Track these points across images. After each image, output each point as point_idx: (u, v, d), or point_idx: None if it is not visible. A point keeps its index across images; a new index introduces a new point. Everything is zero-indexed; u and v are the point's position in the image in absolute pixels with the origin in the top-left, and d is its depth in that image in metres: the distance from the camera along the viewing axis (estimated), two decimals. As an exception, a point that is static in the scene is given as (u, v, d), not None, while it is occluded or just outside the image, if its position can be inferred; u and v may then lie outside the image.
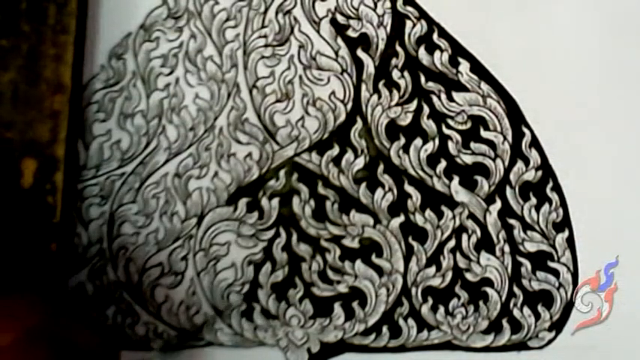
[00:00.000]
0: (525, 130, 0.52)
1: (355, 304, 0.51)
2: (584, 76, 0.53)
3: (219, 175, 0.51)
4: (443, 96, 0.52)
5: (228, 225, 0.51)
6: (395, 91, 0.52)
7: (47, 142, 0.48)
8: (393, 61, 0.52)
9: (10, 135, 0.48)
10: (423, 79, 0.52)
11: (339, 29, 0.52)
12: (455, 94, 0.52)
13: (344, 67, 0.52)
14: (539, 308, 0.52)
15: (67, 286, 0.49)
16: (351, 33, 0.52)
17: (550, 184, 0.52)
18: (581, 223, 0.52)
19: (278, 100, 0.51)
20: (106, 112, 0.51)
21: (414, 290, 0.51)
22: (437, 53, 0.52)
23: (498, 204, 0.52)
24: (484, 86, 0.52)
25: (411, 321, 0.51)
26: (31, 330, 0.38)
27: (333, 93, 0.52)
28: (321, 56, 0.52)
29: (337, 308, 0.51)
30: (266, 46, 0.52)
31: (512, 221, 0.52)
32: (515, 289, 0.51)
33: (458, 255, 0.51)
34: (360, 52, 0.52)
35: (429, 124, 0.52)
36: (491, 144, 0.52)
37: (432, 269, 0.51)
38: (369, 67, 0.52)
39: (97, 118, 0.51)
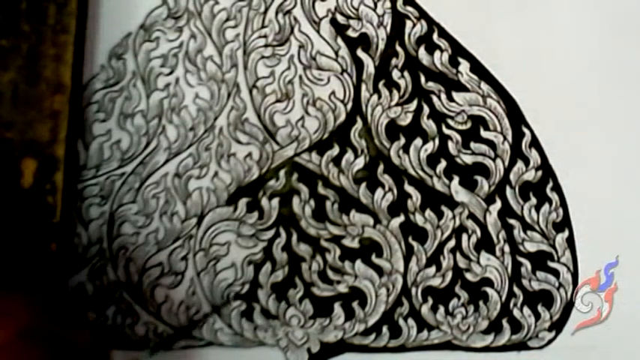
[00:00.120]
0: (525, 130, 0.52)
1: (355, 304, 0.51)
2: (584, 76, 0.53)
3: (219, 175, 0.51)
4: (443, 96, 0.52)
5: (228, 225, 0.51)
6: (395, 91, 0.52)
7: (47, 142, 0.48)
8: (393, 61, 0.52)
9: (10, 135, 0.48)
10: (423, 79, 0.52)
11: (339, 29, 0.52)
12: (455, 94, 0.52)
13: (344, 67, 0.52)
14: (539, 308, 0.52)
15: (67, 286, 0.49)
16: (351, 33, 0.52)
17: (550, 184, 0.52)
18: (581, 223, 0.52)
19: (278, 100, 0.51)
20: (106, 112, 0.51)
21: (414, 290, 0.51)
22: (437, 53, 0.52)
23: (498, 204, 0.52)
24: (484, 86, 0.52)
25: (411, 321, 0.51)
26: (24, 329, 0.38)
27: (333, 93, 0.52)
28: (321, 56, 0.52)
29: (337, 308, 0.51)
30: (266, 46, 0.52)
31: (512, 221, 0.52)
32: (515, 289, 0.51)
33: (458, 255, 0.51)
34: (360, 52, 0.52)
35: (429, 124, 0.52)
36: (491, 144, 0.52)
37: (432, 269, 0.51)
38: (369, 67, 0.52)
39: (97, 118, 0.51)
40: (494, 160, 0.52)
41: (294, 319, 0.51)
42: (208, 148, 0.51)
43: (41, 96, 0.48)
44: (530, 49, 0.53)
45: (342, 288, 0.51)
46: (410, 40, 0.52)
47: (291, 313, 0.51)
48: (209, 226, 0.50)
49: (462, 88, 0.52)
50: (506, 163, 0.52)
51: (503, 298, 0.51)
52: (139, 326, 0.50)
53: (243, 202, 0.51)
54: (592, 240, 0.52)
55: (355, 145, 0.51)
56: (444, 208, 0.51)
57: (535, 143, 0.52)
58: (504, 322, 0.51)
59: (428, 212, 0.51)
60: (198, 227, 0.50)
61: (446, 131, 0.52)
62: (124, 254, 0.50)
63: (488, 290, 0.51)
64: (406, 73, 0.52)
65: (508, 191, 0.52)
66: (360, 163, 0.51)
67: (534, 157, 0.52)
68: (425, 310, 0.51)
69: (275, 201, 0.51)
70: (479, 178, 0.52)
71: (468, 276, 0.51)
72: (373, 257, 0.51)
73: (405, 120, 0.52)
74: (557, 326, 0.52)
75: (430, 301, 0.51)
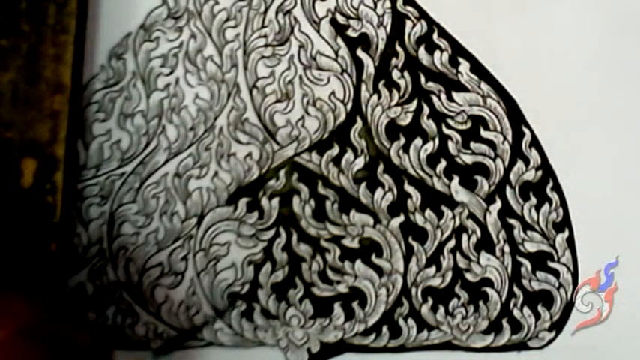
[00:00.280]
0: (525, 130, 0.52)
1: (355, 304, 0.51)
2: (584, 76, 0.53)
3: (219, 175, 0.51)
4: (443, 96, 0.52)
5: (228, 225, 0.51)
6: (395, 91, 0.52)
7: (47, 142, 0.48)
8: (393, 61, 0.52)
9: (10, 135, 0.48)
10: (423, 79, 0.52)
11: (339, 29, 0.52)
12: (455, 94, 0.52)
13: (344, 67, 0.52)
14: (539, 308, 0.52)
15: (67, 285, 0.49)
16: (351, 33, 0.52)
17: (550, 184, 0.52)
18: (581, 223, 0.52)
19: (278, 100, 0.51)
20: (106, 112, 0.51)
21: (414, 290, 0.51)
22: (437, 53, 0.52)
23: (498, 204, 0.52)
24: (484, 86, 0.52)
25: (411, 321, 0.51)
26: (24, 328, 0.38)
27: (333, 93, 0.52)
28: (321, 56, 0.52)
29: (337, 308, 0.51)
30: (266, 46, 0.52)
31: (512, 221, 0.52)
32: (515, 289, 0.51)
33: (458, 255, 0.51)
34: (360, 52, 0.52)
35: (429, 124, 0.52)
36: (491, 144, 0.52)
37: (432, 269, 0.51)
38: (369, 67, 0.52)
39: (97, 118, 0.51)
40: (494, 160, 0.52)
41: (294, 319, 0.51)
42: (208, 148, 0.51)
43: (41, 96, 0.48)
44: (530, 49, 0.53)
45: (342, 288, 0.51)
46: (410, 40, 0.52)
47: (291, 313, 0.51)
48: (209, 226, 0.50)
49: (462, 88, 0.52)
50: (506, 163, 0.52)
51: (503, 298, 0.51)
52: (139, 326, 0.50)
53: (243, 202, 0.51)
54: (592, 240, 0.52)
55: (355, 145, 0.51)
56: (444, 208, 0.51)
57: (535, 143, 0.52)
58: (504, 322, 0.51)
59: (428, 212, 0.51)
60: (198, 227, 0.50)
61: (446, 131, 0.52)
62: (124, 254, 0.50)
63: (488, 290, 0.51)
64: (406, 73, 0.52)
65: (508, 191, 0.52)
66: (360, 163, 0.51)
67: (534, 157, 0.52)
68: (425, 310, 0.51)
69: (275, 201, 0.51)
70: (479, 178, 0.52)
71: (468, 276, 0.51)
72: (373, 257, 0.51)
73: (405, 120, 0.52)
74: (557, 326, 0.52)
75: (430, 301, 0.51)
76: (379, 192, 0.51)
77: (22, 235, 0.47)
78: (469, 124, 0.52)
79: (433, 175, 0.52)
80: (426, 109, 0.52)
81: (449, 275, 0.51)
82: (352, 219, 0.51)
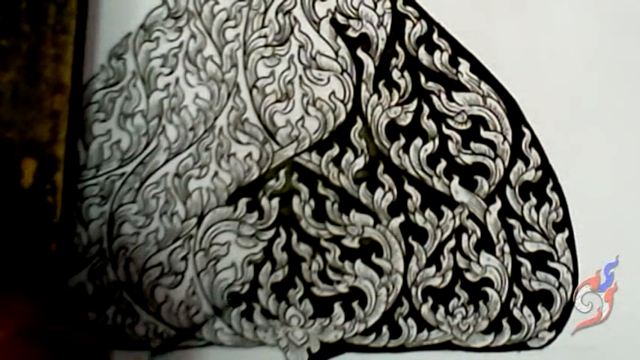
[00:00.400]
0: (525, 130, 0.52)
1: (355, 304, 0.51)
2: (584, 76, 0.53)
3: (219, 175, 0.51)
4: (443, 96, 0.52)
5: (228, 225, 0.51)
6: (395, 91, 0.52)
7: (47, 142, 0.48)
8: (393, 61, 0.52)
9: (10, 135, 0.48)
10: (423, 79, 0.52)
11: (339, 29, 0.52)
12: (455, 94, 0.52)
13: (344, 67, 0.52)
14: (539, 308, 0.52)
15: (67, 285, 0.49)
16: (351, 33, 0.52)
17: (550, 184, 0.52)
18: (581, 223, 0.52)
19: (278, 100, 0.51)
20: (106, 112, 0.51)
21: (414, 290, 0.51)
22: (437, 53, 0.52)
23: (498, 204, 0.52)
24: (484, 86, 0.52)
25: (411, 321, 0.51)
26: (23, 328, 0.38)
27: (333, 93, 0.52)
28: (321, 56, 0.52)
29: (337, 308, 0.51)
30: (266, 46, 0.52)
31: (512, 221, 0.52)
32: (515, 289, 0.51)
33: (458, 255, 0.51)
34: (360, 52, 0.52)
35: (429, 124, 0.52)
36: (491, 144, 0.52)
37: (432, 269, 0.51)
38: (369, 67, 0.52)
39: (97, 118, 0.51)
40: (494, 160, 0.52)
41: (294, 319, 0.51)
42: (208, 148, 0.51)
43: (41, 96, 0.48)
44: (530, 49, 0.53)
45: (342, 288, 0.51)
46: (410, 40, 0.52)
47: (291, 313, 0.51)
48: (209, 226, 0.50)
49: (462, 88, 0.52)
50: (506, 163, 0.52)
51: (503, 298, 0.51)
52: (139, 326, 0.50)
53: (243, 202, 0.51)
54: (592, 240, 0.52)
55: (355, 145, 0.51)
56: (444, 208, 0.51)
57: (535, 143, 0.52)
58: (504, 322, 0.51)
59: (428, 212, 0.51)
60: (198, 227, 0.50)
61: (446, 131, 0.52)
62: (124, 254, 0.50)
63: (489, 290, 0.51)
64: (406, 73, 0.52)
65: (508, 191, 0.52)
66: (360, 163, 0.51)
67: (534, 157, 0.52)
68: (425, 310, 0.51)
69: (275, 201, 0.51)
70: (479, 178, 0.52)
71: (468, 276, 0.51)
72: (373, 257, 0.51)
73: (405, 120, 0.52)
74: (557, 326, 0.52)
75: (430, 301, 0.51)
76: (379, 192, 0.51)
77: (22, 235, 0.47)
78: (469, 124, 0.52)
79: (433, 175, 0.52)
80: (426, 109, 0.52)
81: (449, 275, 0.51)
82: (352, 219, 0.51)
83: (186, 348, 0.50)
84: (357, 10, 0.52)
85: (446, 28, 0.52)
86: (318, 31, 0.52)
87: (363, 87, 0.52)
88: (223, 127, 0.51)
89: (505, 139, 0.52)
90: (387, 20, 0.52)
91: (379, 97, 0.52)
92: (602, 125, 0.53)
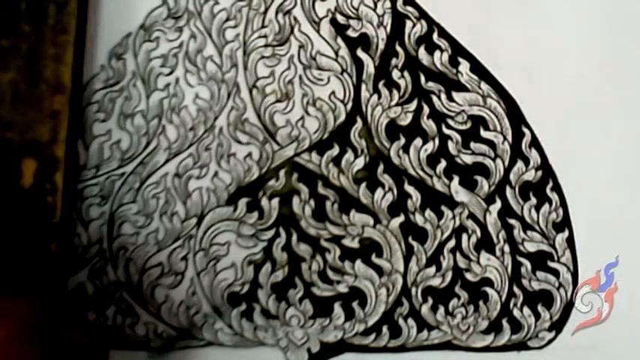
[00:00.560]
0: (525, 130, 0.52)
1: (355, 304, 0.51)
2: (584, 76, 0.53)
3: (219, 175, 0.51)
4: (443, 96, 0.52)
5: (228, 225, 0.51)
6: (395, 91, 0.52)
7: (47, 142, 0.48)
8: (393, 61, 0.52)
9: (10, 135, 0.48)
10: (423, 79, 0.52)
11: (339, 29, 0.52)
12: (455, 94, 0.52)
13: (344, 67, 0.52)
14: (539, 308, 0.52)
15: (66, 286, 0.49)
16: (351, 33, 0.52)
17: (550, 184, 0.52)
18: (581, 223, 0.52)
19: (278, 100, 0.51)
20: (106, 112, 0.51)
21: (414, 290, 0.51)
22: (437, 53, 0.52)
23: (498, 204, 0.52)
24: (484, 86, 0.52)
25: (411, 321, 0.51)
26: (22, 327, 0.38)
27: (333, 93, 0.52)
28: (321, 56, 0.52)
29: (337, 308, 0.51)
30: (266, 46, 0.52)
31: (512, 221, 0.52)
32: (515, 289, 0.51)
33: (458, 255, 0.51)
34: (360, 52, 0.52)
35: (429, 124, 0.52)
36: (491, 144, 0.52)
37: (432, 269, 0.51)
38: (369, 67, 0.52)
39: (97, 118, 0.51)
40: (494, 160, 0.52)
41: (294, 319, 0.51)
42: (208, 148, 0.51)
43: (41, 96, 0.48)
44: (530, 49, 0.53)
45: (342, 288, 0.51)
46: (410, 40, 0.52)
47: (291, 313, 0.51)
48: (209, 226, 0.50)
49: (462, 88, 0.52)
50: (506, 163, 0.52)
51: (503, 298, 0.51)
52: (139, 326, 0.50)
53: (243, 202, 0.51)
54: (592, 240, 0.52)
55: (355, 145, 0.51)
56: (444, 208, 0.51)
57: (535, 143, 0.52)
58: (504, 322, 0.51)
59: (428, 212, 0.51)
60: (198, 227, 0.50)
61: (446, 131, 0.52)
62: (124, 254, 0.50)
63: (489, 290, 0.51)
64: (406, 73, 0.52)
65: (508, 191, 0.52)
66: (360, 163, 0.51)
67: (534, 157, 0.52)
68: (425, 310, 0.51)
69: (275, 201, 0.51)
70: (479, 178, 0.52)
71: (468, 276, 0.51)
72: (373, 257, 0.51)
73: (405, 120, 0.52)
74: (557, 326, 0.52)
75: (430, 301, 0.51)
76: (379, 192, 0.51)
77: (22, 235, 0.47)
78: (469, 124, 0.52)
79: (433, 175, 0.52)
80: (426, 109, 0.52)
81: (449, 275, 0.51)
82: (352, 219, 0.51)
83: (186, 348, 0.50)
84: (357, 10, 0.52)
85: (446, 28, 0.52)
86: (318, 31, 0.52)
87: (363, 87, 0.52)
88: (223, 127, 0.51)
89: (505, 139, 0.52)
90: (387, 20, 0.52)
91: (379, 97, 0.52)
92: (602, 125, 0.53)
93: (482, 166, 0.52)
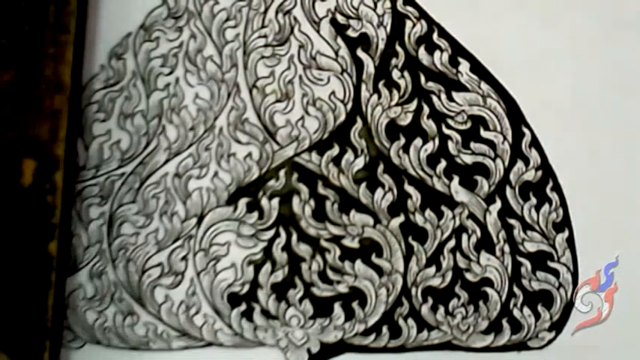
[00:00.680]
0: (525, 130, 0.52)
1: (355, 304, 0.51)
2: (584, 76, 0.53)
3: (219, 175, 0.51)
4: (443, 96, 0.52)
5: (228, 225, 0.51)
6: (395, 91, 0.52)
7: (47, 142, 0.48)
8: (393, 61, 0.52)
9: (10, 135, 0.48)
10: (423, 79, 0.52)
11: (339, 29, 0.52)
12: (455, 94, 0.52)
13: (344, 67, 0.52)
14: (539, 308, 0.52)
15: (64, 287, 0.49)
16: (351, 33, 0.52)
17: (550, 184, 0.52)
18: (581, 223, 0.52)
19: (278, 100, 0.51)
20: (106, 112, 0.51)
21: (414, 290, 0.51)
22: (437, 53, 0.52)
23: (498, 204, 0.52)
24: (484, 86, 0.52)
25: (411, 321, 0.51)
26: None
27: (333, 93, 0.52)
28: (321, 56, 0.52)
29: (337, 308, 0.51)
30: (266, 46, 0.52)
31: (512, 221, 0.52)
32: (515, 289, 0.51)
33: (458, 255, 0.51)
34: (360, 52, 0.52)
35: (429, 124, 0.52)
36: (491, 144, 0.52)
37: (432, 269, 0.51)
38: (369, 67, 0.52)
39: (97, 118, 0.51)
40: (494, 160, 0.52)
41: (294, 319, 0.51)
42: (208, 148, 0.51)
43: (41, 96, 0.48)
44: (530, 49, 0.53)
45: (342, 288, 0.51)
46: (410, 40, 0.52)
47: (291, 313, 0.51)
48: (209, 226, 0.50)
49: (462, 88, 0.52)
50: (506, 163, 0.52)
51: (503, 298, 0.51)
52: (139, 326, 0.50)
53: (243, 202, 0.51)
54: (592, 240, 0.52)
55: (355, 145, 0.51)
56: (444, 208, 0.51)
57: (535, 143, 0.52)
58: (504, 322, 0.51)
59: (428, 212, 0.51)
60: (198, 227, 0.50)
61: (446, 131, 0.52)
62: (124, 254, 0.50)
63: (489, 290, 0.51)
64: (406, 73, 0.52)
65: (508, 191, 0.52)
66: (360, 163, 0.51)
67: (534, 157, 0.52)
68: (425, 310, 0.51)
69: (275, 201, 0.51)
70: (479, 178, 0.52)
71: (468, 276, 0.51)
72: (373, 257, 0.51)
73: (405, 120, 0.52)
74: (557, 326, 0.52)
75: (430, 301, 0.51)
76: (379, 192, 0.51)
77: (22, 235, 0.47)
78: (469, 124, 0.52)
79: (433, 175, 0.52)
80: (426, 109, 0.52)
81: (449, 275, 0.51)
82: (352, 219, 0.51)
83: (186, 348, 0.50)
84: (357, 10, 0.52)
85: (446, 28, 0.52)
86: (318, 31, 0.52)
87: (363, 87, 0.52)
88: (223, 127, 0.51)
89: (505, 139, 0.52)
90: (387, 20, 0.52)
91: (379, 97, 0.52)
92: (602, 125, 0.53)
93: (482, 166, 0.52)
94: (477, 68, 0.52)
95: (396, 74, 0.52)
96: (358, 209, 0.51)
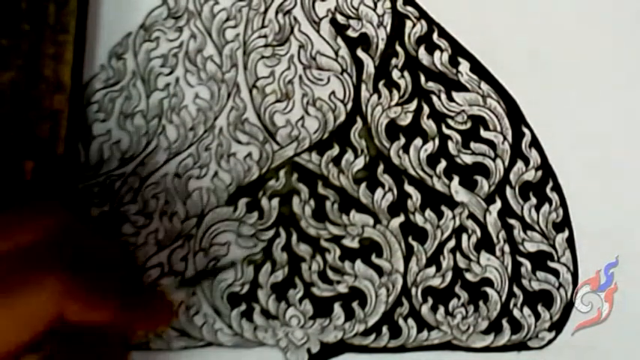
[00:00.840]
0: (525, 130, 0.52)
1: (355, 304, 0.51)
2: (584, 76, 0.53)
3: (219, 175, 0.51)
4: (443, 96, 0.52)
5: (228, 225, 0.51)
6: (395, 91, 0.52)
7: (47, 142, 0.48)
8: (393, 61, 0.52)
9: (9, 134, 0.48)
10: (423, 79, 0.52)
11: (339, 29, 0.52)
12: (455, 94, 0.52)
13: (344, 67, 0.52)
14: (539, 308, 0.52)
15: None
16: (351, 33, 0.52)
17: (550, 184, 0.52)
18: (581, 223, 0.52)
19: (278, 100, 0.51)
20: (106, 112, 0.51)
21: (414, 290, 0.51)
22: (437, 53, 0.52)
23: (498, 204, 0.52)
24: (484, 86, 0.52)
25: (411, 321, 0.51)
26: (51, 233, 0.36)
27: (333, 93, 0.52)
28: (321, 56, 0.52)
29: (337, 308, 0.51)
30: (266, 46, 0.52)
31: (512, 221, 0.52)
32: (515, 289, 0.51)
33: (458, 255, 0.51)
34: (360, 52, 0.52)
35: (429, 124, 0.52)
36: (491, 144, 0.52)
37: (432, 269, 0.51)
38: (369, 67, 0.52)
39: (97, 118, 0.51)
40: (494, 160, 0.52)
41: (294, 319, 0.51)
42: (208, 148, 0.51)
43: (41, 95, 0.48)
44: (530, 49, 0.53)
45: (342, 288, 0.51)
46: (410, 40, 0.52)
47: (291, 313, 0.51)
48: (209, 226, 0.50)
49: (462, 88, 0.52)
50: (506, 163, 0.52)
51: (503, 298, 0.51)
52: (138, 326, 0.50)
53: (243, 202, 0.51)
54: (592, 240, 0.52)
55: (355, 145, 0.51)
56: (444, 208, 0.51)
57: (535, 143, 0.52)
58: (504, 322, 0.51)
59: (428, 212, 0.51)
60: (198, 227, 0.50)
61: (446, 131, 0.52)
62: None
63: (489, 290, 0.51)
64: (406, 73, 0.52)
65: (508, 191, 0.52)
66: (360, 163, 0.51)
67: (534, 157, 0.52)
68: (425, 310, 0.51)
69: (275, 201, 0.51)
70: (479, 178, 0.52)
71: (468, 276, 0.51)
72: (373, 257, 0.51)
73: (405, 120, 0.52)
74: (557, 326, 0.52)
75: (430, 301, 0.51)
76: (379, 192, 0.51)
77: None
78: (469, 124, 0.52)
79: (433, 175, 0.52)
80: (426, 109, 0.52)
81: (449, 275, 0.51)
82: (352, 219, 0.51)
83: (186, 348, 0.50)
84: (357, 10, 0.52)
85: (446, 28, 0.52)
86: (318, 31, 0.52)
87: (363, 87, 0.52)
88: (223, 127, 0.51)
89: (505, 139, 0.52)
90: (387, 20, 0.52)
91: (379, 97, 0.52)
92: (602, 125, 0.53)
93: (483, 166, 0.52)
94: (477, 68, 0.52)
95: (396, 74, 0.52)
96: (358, 209, 0.51)
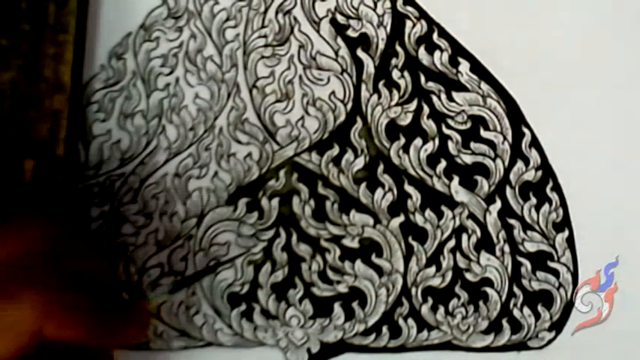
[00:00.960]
0: (525, 130, 0.52)
1: (355, 304, 0.51)
2: (584, 76, 0.53)
3: (219, 175, 0.51)
4: (443, 96, 0.52)
5: (228, 225, 0.51)
6: (395, 91, 0.52)
7: (47, 142, 0.48)
8: (393, 61, 0.52)
9: (10, 135, 0.48)
10: (423, 79, 0.52)
11: (339, 29, 0.52)
12: (455, 94, 0.52)
13: (344, 67, 0.52)
14: (539, 308, 0.52)
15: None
16: (351, 33, 0.52)
17: (550, 184, 0.52)
18: (581, 223, 0.52)
19: (278, 100, 0.51)
20: (106, 112, 0.51)
21: (414, 290, 0.51)
22: (437, 53, 0.52)
23: (498, 204, 0.52)
24: (484, 86, 0.52)
25: (411, 321, 0.51)
26: (36, 246, 0.36)
27: (333, 93, 0.52)
28: (321, 56, 0.52)
29: (337, 308, 0.51)
30: (266, 46, 0.52)
31: (512, 221, 0.52)
32: (515, 289, 0.51)
33: (458, 255, 0.51)
34: (360, 52, 0.52)
35: (429, 124, 0.52)
36: (491, 144, 0.52)
37: (432, 269, 0.51)
38: (369, 67, 0.52)
39: (97, 118, 0.51)
40: (494, 160, 0.52)
41: (294, 319, 0.51)
42: (208, 148, 0.51)
43: (41, 95, 0.48)
44: (530, 49, 0.53)
45: (342, 288, 0.51)
46: (410, 40, 0.52)
47: (291, 313, 0.51)
48: (209, 226, 0.50)
49: (462, 88, 0.52)
50: (506, 163, 0.52)
51: (503, 298, 0.51)
52: (138, 326, 0.50)
53: (243, 202, 0.51)
54: (592, 240, 0.52)
55: (355, 145, 0.51)
56: (444, 208, 0.51)
57: (535, 143, 0.52)
58: (504, 322, 0.51)
59: (428, 212, 0.51)
60: (198, 227, 0.50)
61: (446, 131, 0.52)
62: (124, 254, 0.50)
63: (488, 290, 0.51)
64: (406, 73, 0.52)
65: (508, 191, 0.52)
66: (360, 163, 0.51)
67: (534, 157, 0.52)
68: (425, 310, 0.51)
69: (275, 201, 0.51)
70: (479, 178, 0.52)
71: (468, 276, 0.51)
72: (373, 257, 0.51)
73: (405, 120, 0.52)
74: (557, 326, 0.52)
75: (430, 301, 0.51)
76: (379, 192, 0.51)
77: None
78: (469, 124, 0.52)
79: (433, 175, 0.52)
80: (426, 109, 0.52)
81: (449, 275, 0.51)
82: (352, 219, 0.51)
83: (186, 348, 0.50)
84: (357, 10, 0.52)
85: (446, 28, 0.52)
86: (318, 31, 0.52)
87: (363, 87, 0.52)
88: (223, 127, 0.51)
89: (505, 139, 0.52)
90: (387, 20, 0.52)
91: (379, 97, 0.52)
92: (602, 125, 0.53)
93: (483, 166, 0.52)
94: (477, 68, 0.52)
95: (396, 74, 0.52)
96: (358, 209, 0.51)
